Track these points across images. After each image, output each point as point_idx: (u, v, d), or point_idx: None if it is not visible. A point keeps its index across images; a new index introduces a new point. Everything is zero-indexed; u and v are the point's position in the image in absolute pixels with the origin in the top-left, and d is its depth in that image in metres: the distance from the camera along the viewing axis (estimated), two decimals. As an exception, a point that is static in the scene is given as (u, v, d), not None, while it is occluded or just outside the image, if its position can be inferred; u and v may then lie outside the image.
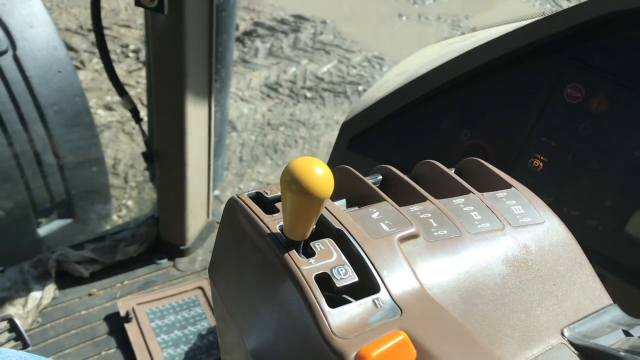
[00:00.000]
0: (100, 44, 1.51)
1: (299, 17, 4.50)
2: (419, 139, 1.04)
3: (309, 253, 0.50)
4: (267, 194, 0.57)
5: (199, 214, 1.99)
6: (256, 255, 0.52)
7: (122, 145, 3.28)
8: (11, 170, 1.83)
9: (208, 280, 1.82)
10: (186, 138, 1.66)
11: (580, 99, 0.93)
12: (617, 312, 0.56)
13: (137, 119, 1.69)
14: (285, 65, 4.04)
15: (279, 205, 0.55)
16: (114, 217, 2.84)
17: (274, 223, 0.52)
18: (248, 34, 4.27)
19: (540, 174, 0.96)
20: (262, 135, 3.49)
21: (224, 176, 3.12)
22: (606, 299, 0.57)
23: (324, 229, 0.53)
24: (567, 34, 0.90)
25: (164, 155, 1.75)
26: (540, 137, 0.95)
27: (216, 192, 2.71)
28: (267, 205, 0.56)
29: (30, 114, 1.85)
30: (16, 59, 1.83)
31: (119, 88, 1.61)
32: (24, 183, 1.86)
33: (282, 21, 4.44)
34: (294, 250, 0.50)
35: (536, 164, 0.95)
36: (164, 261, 2.02)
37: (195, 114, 1.66)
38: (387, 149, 1.06)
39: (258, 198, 0.57)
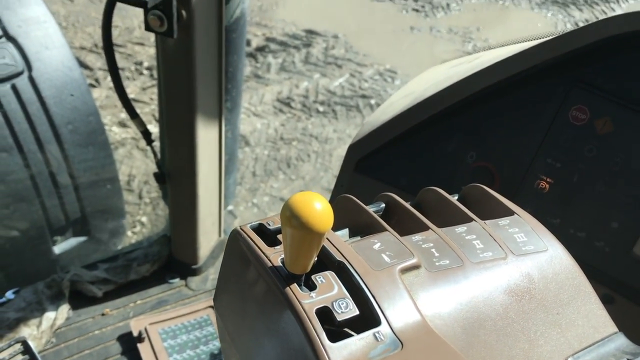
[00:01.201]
0: (113, 71, 1.54)
1: (311, 32, 4.53)
2: (425, 161, 1.05)
3: (310, 286, 0.51)
4: (269, 225, 0.58)
5: (211, 233, 2.00)
6: (259, 287, 0.53)
7: (137, 162, 3.31)
8: (27, 190, 1.86)
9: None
10: (197, 159, 1.68)
11: (585, 120, 0.93)
12: (622, 341, 0.56)
13: (149, 140, 1.71)
14: (298, 80, 4.06)
15: (281, 236, 0.56)
16: (129, 233, 2.86)
17: (275, 256, 0.53)
18: (260, 49, 4.30)
19: (546, 196, 0.96)
20: (275, 149, 3.50)
21: (238, 191, 3.13)
22: (611, 327, 0.57)
23: (326, 261, 0.53)
24: (571, 56, 0.90)
25: (176, 176, 1.77)
26: (545, 158, 0.95)
27: (230, 207, 2.73)
28: (270, 237, 0.57)
29: (46, 133, 1.88)
30: (32, 80, 1.86)
31: (131, 111, 1.63)
32: (40, 203, 1.89)
33: (294, 36, 4.47)
34: (295, 284, 0.50)
35: (542, 185, 0.95)
36: (176, 280, 2.03)
37: (206, 135, 1.67)
38: (394, 171, 1.06)
39: (260, 230, 0.57)
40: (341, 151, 3.52)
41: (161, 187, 2.24)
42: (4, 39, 1.87)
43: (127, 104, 1.62)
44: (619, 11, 5.14)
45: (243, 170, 3.33)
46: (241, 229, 0.57)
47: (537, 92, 0.95)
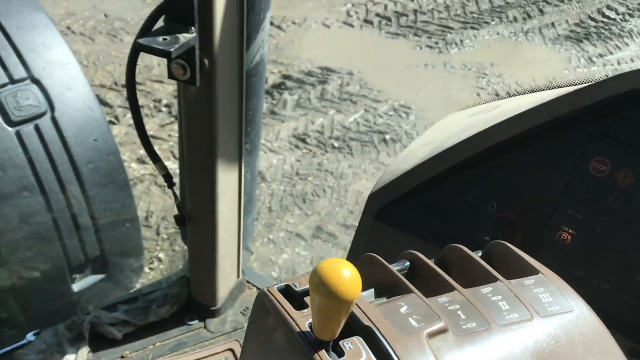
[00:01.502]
0: (136, 117, 1.56)
1: (326, 69, 4.58)
2: (446, 211, 1.05)
3: (338, 352, 0.51)
4: (296, 287, 0.58)
5: (230, 274, 2.01)
6: (286, 351, 0.53)
7: (155, 198, 3.34)
8: (49, 231, 1.88)
9: (239, 342, 1.82)
10: (218, 202, 1.69)
11: (606, 172, 0.93)
12: (651, 403, 0.55)
13: (170, 183, 1.73)
14: (314, 116, 4.10)
15: (308, 299, 0.56)
16: (146, 269, 2.87)
17: (303, 320, 0.54)
18: (277, 87, 4.36)
19: (569, 247, 0.96)
20: (291, 185, 3.53)
21: (254, 227, 3.14)
22: (640, 389, 0.56)
23: (354, 325, 0.54)
24: (591, 109, 0.91)
25: (196, 219, 1.79)
26: (567, 210, 0.95)
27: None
28: (297, 299, 0.57)
29: (67, 173, 1.90)
30: (54, 121, 1.89)
31: (153, 155, 1.66)
32: (62, 245, 1.90)
33: (310, 73, 4.53)
34: (324, 351, 0.51)
35: (564, 237, 0.95)
36: (195, 322, 2.02)
37: (227, 178, 1.69)
38: (415, 221, 1.07)
39: (287, 291, 0.58)
40: (357, 187, 3.53)
41: (181, 229, 2.26)
42: (28, 81, 1.91)
43: (150, 148, 1.64)
44: (632, 46, 5.15)
45: (259, 205, 3.34)
46: (269, 291, 0.58)
47: (557, 144, 0.96)
